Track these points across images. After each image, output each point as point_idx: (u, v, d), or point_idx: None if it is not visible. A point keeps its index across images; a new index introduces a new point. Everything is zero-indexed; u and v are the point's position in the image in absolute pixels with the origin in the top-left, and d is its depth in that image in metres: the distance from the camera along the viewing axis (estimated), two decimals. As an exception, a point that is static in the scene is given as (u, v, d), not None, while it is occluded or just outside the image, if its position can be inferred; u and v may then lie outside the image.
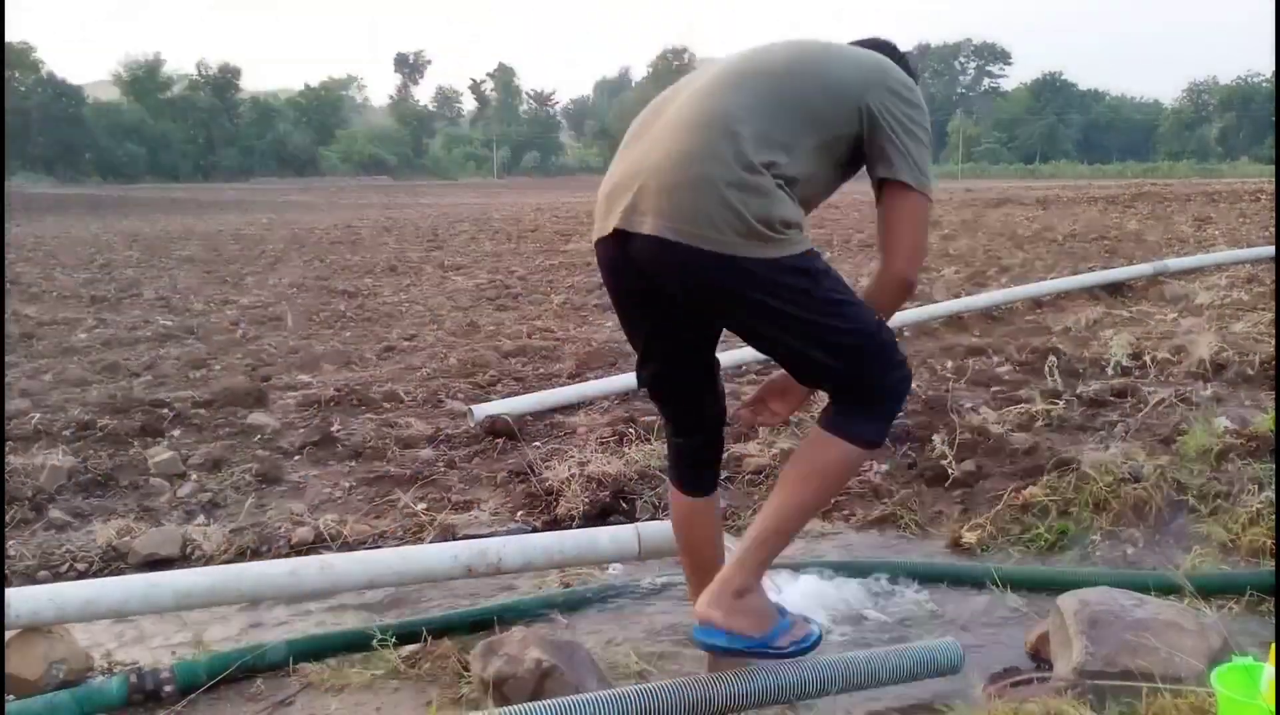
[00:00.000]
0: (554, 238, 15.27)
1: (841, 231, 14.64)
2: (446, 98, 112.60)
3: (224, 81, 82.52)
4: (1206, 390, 4.41)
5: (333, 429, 4.31)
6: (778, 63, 1.90)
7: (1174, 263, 8.58)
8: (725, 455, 3.71)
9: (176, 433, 4.35)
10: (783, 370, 2.01)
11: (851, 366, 1.82)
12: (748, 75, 1.88)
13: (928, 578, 2.69)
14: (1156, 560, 2.73)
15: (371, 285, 9.88)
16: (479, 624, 2.46)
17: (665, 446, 3.71)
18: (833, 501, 3.28)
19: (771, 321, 1.80)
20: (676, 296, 1.86)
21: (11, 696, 2.11)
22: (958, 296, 7.44)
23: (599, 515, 3.23)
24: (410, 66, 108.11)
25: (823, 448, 1.88)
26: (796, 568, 2.72)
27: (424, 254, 13.10)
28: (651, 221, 1.76)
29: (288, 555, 2.95)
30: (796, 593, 2.57)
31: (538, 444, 4.09)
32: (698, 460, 2.12)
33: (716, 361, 2.10)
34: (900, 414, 4.13)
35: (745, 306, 1.79)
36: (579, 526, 3.09)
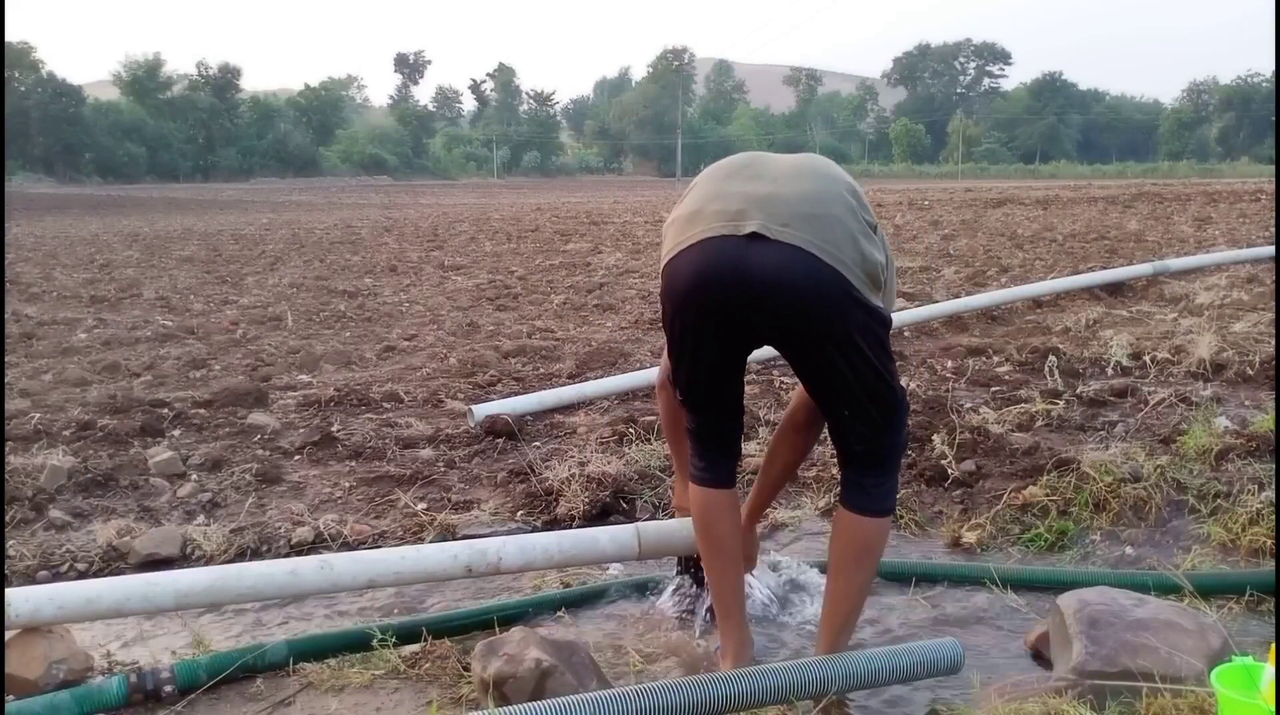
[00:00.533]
0: (554, 238, 15.27)
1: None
2: (446, 98, 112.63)
3: (224, 81, 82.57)
4: (1206, 390, 4.41)
5: (333, 429, 4.31)
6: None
7: (1174, 263, 8.58)
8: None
9: (176, 433, 4.35)
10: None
11: (884, 424, 2.02)
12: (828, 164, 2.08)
13: (928, 577, 2.69)
14: (1156, 560, 2.73)
15: (371, 285, 9.88)
16: (479, 624, 2.47)
17: (664, 446, 3.70)
18: (832, 500, 3.29)
19: (850, 359, 1.93)
20: (777, 310, 1.91)
21: (11, 696, 2.11)
22: (958, 296, 7.44)
23: (599, 515, 3.23)
24: (410, 66, 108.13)
25: (864, 530, 2.08)
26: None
27: (424, 254, 13.11)
28: (795, 234, 1.86)
29: (288, 555, 2.95)
30: (806, 595, 2.57)
31: (538, 444, 4.09)
32: (725, 455, 2.20)
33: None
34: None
35: (840, 337, 1.91)
36: (579, 526, 3.10)
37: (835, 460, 3.62)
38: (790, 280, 1.86)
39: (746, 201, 1.91)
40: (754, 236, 1.87)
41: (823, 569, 2.68)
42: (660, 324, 7.03)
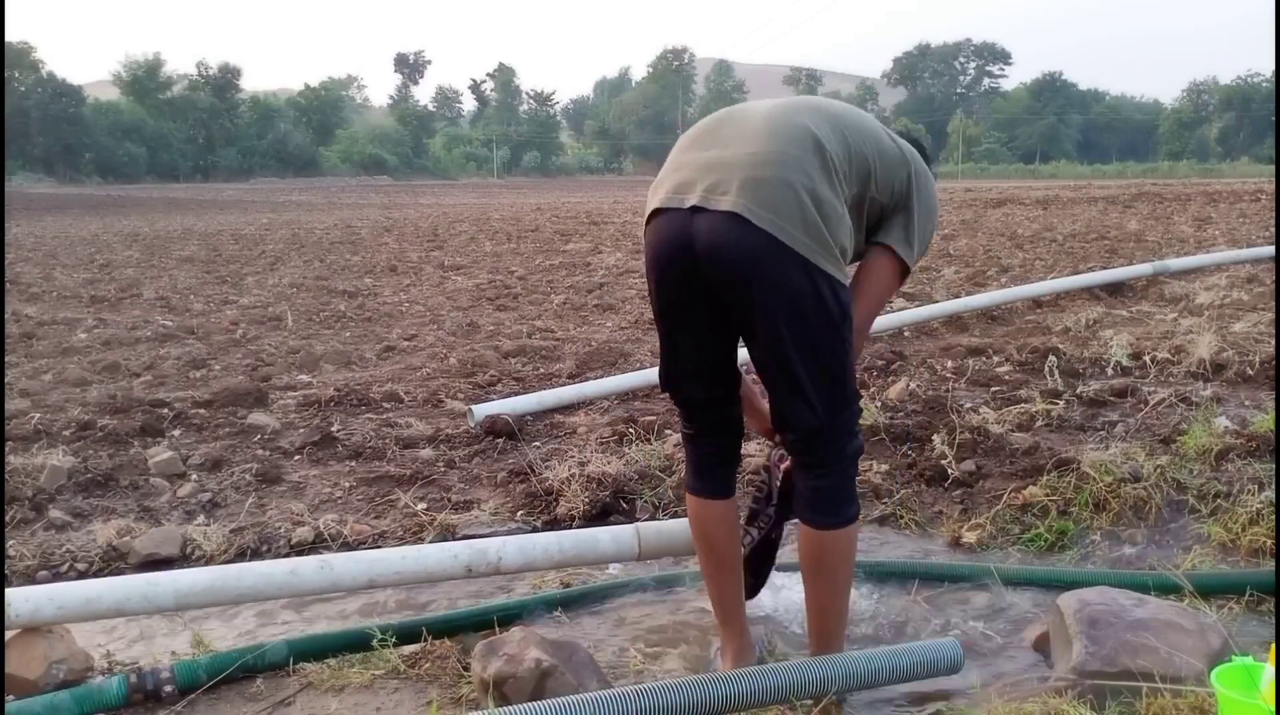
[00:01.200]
0: (554, 238, 15.27)
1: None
2: (446, 98, 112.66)
3: (224, 81, 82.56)
4: (1206, 390, 4.41)
5: (333, 429, 4.31)
6: (845, 112, 2.02)
7: (1174, 263, 8.57)
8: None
9: (176, 433, 4.35)
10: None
11: (827, 410, 1.91)
12: (821, 111, 1.99)
13: (928, 577, 2.69)
14: (1156, 560, 2.73)
15: (371, 285, 9.88)
16: (479, 624, 2.47)
17: (664, 446, 3.70)
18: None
19: (792, 327, 1.84)
20: (718, 281, 1.88)
21: (11, 696, 2.11)
22: (958, 296, 7.44)
23: (599, 515, 3.23)
24: (410, 66, 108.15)
25: (816, 543, 2.01)
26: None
27: (424, 254, 13.10)
28: (730, 201, 1.82)
29: (288, 555, 2.95)
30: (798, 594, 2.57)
31: (538, 444, 4.09)
32: (720, 461, 2.16)
33: (738, 370, 2.13)
34: (902, 414, 4.14)
35: (782, 306, 1.83)
36: (579, 526, 3.10)
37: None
38: (723, 246, 1.83)
39: (695, 171, 1.90)
40: (695, 209, 1.85)
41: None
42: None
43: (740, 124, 1.96)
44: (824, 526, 1.99)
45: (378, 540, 3.09)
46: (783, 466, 2.14)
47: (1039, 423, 3.98)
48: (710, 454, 2.15)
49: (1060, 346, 5.45)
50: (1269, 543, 2.73)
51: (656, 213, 1.95)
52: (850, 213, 1.92)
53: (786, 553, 2.96)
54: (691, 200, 1.86)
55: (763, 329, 1.87)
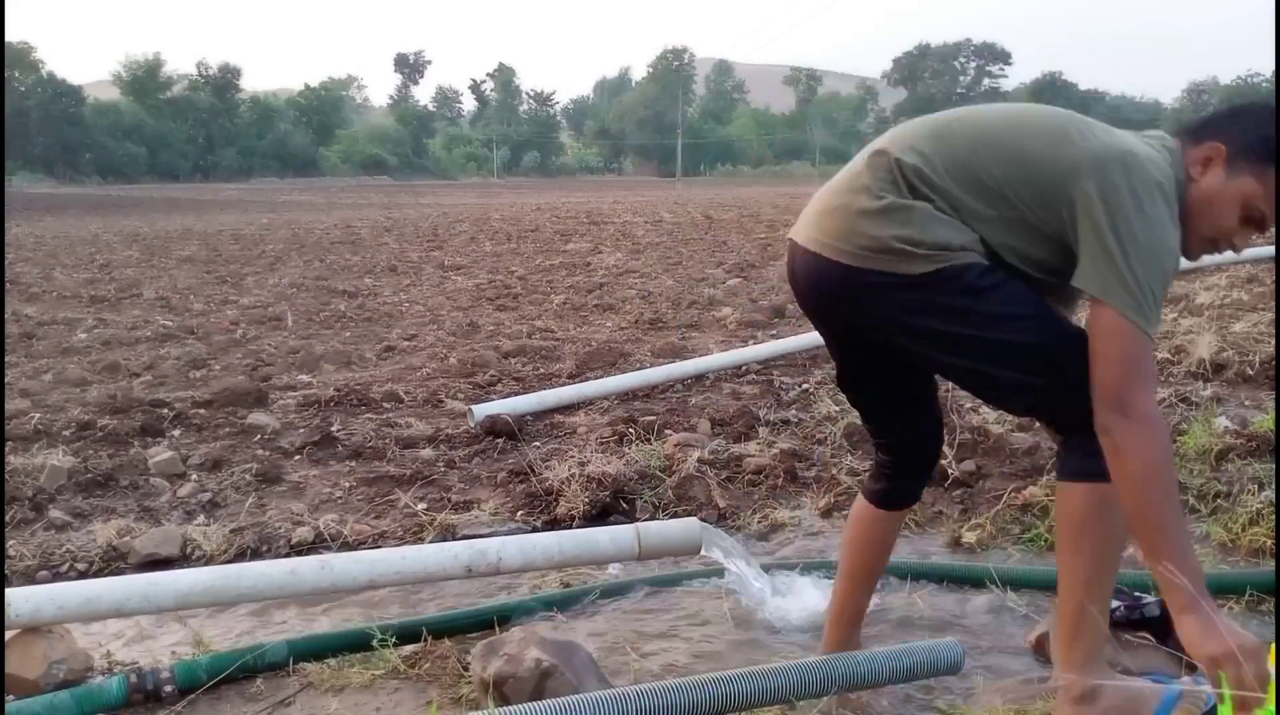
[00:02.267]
0: (554, 238, 15.27)
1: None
2: (446, 98, 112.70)
3: (224, 81, 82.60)
4: (1206, 390, 4.41)
5: (333, 429, 4.31)
6: (973, 121, 1.83)
7: (1174, 263, 8.56)
8: (725, 456, 3.74)
9: (176, 433, 4.35)
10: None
11: (1028, 386, 1.72)
12: (931, 124, 1.84)
13: (929, 577, 2.69)
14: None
15: (371, 285, 9.88)
16: (479, 624, 2.47)
17: (664, 446, 3.69)
18: (832, 500, 3.29)
19: (917, 341, 1.77)
20: (821, 317, 1.95)
21: (11, 696, 2.11)
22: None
23: (599, 515, 3.23)
24: (410, 66, 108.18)
25: (1071, 502, 1.76)
26: (798, 569, 2.72)
27: (424, 254, 13.11)
28: (806, 235, 1.86)
29: (288, 555, 2.95)
30: (800, 595, 2.57)
31: (538, 444, 4.09)
32: (886, 474, 2.09)
33: (934, 382, 2.06)
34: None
35: (882, 322, 1.79)
36: (579, 526, 3.10)
37: (835, 460, 3.65)
38: (809, 285, 1.88)
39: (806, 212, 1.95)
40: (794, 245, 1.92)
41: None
42: (658, 325, 6.95)
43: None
44: (1068, 476, 1.77)
45: (378, 540, 3.09)
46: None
47: (1039, 423, 3.97)
48: (882, 463, 2.10)
49: (1060, 346, 5.44)
50: (1269, 543, 2.73)
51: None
52: (1005, 225, 1.73)
53: (787, 553, 2.96)
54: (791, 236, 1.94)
55: (905, 351, 1.84)
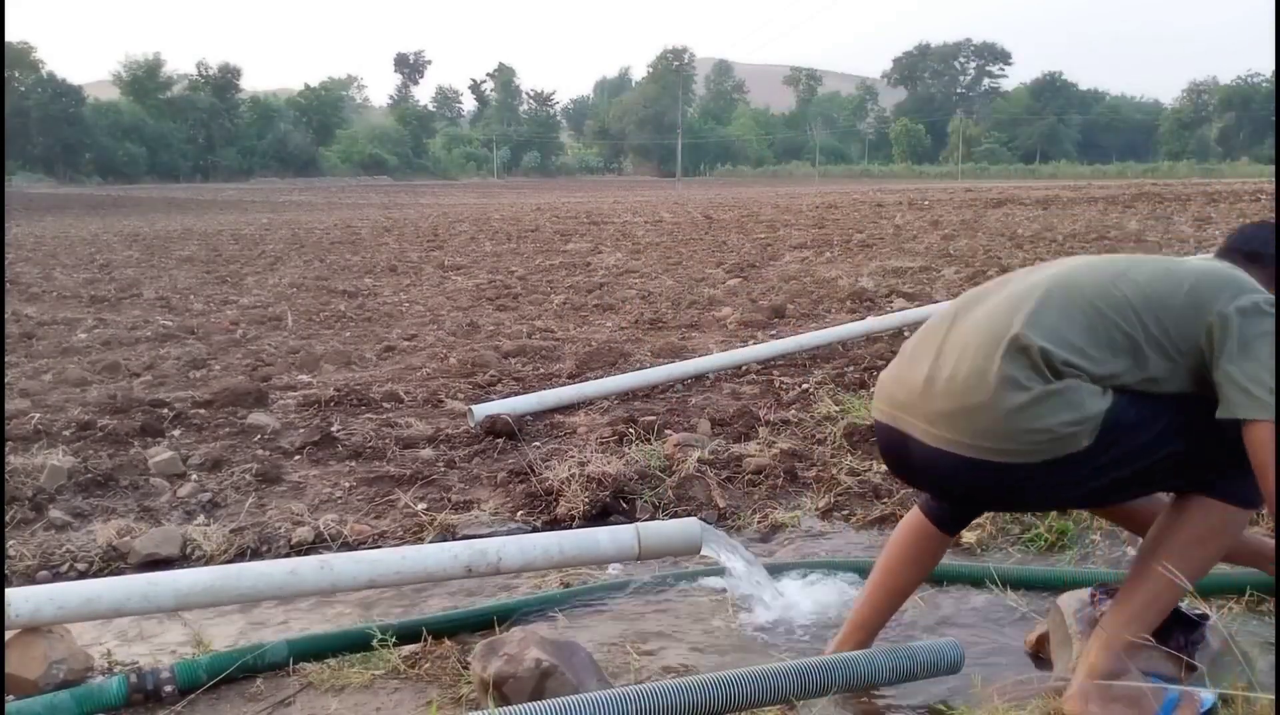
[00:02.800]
0: (554, 238, 15.27)
1: (842, 232, 14.64)
2: (446, 98, 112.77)
3: (224, 81, 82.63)
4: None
5: (333, 429, 4.31)
6: (1099, 276, 1.86)
7: (1174, 263, 8.56)
8: (725, 456, 3.74)
9: (176, 433, 4.35)
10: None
11: (1200, 472, 1.80)
12: (1051, 288, 1.85)
13: (929, 578, 2.68)
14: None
15: (371, 285, 9.89)
16: (479, 624, 2.47)
17: (664, 446, 3.69)
18: (832, 500, 3.30)
19: (1078, 501, 1.88)
20: (952, 494, 1.96)
21: (11, 696, 2.11)
22: (957, 296, 7.42)
23: (599, 515, 3.23)
24: (410, 66, 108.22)
25: (1204, 514, 1.81)
26: (801, 568, 2.73)
27: (424, 254, 13.11)
28: (939, 435, 1.83)
29: (288, 555, 2.95)
30: (801, 595, 2.57)
31: (538, 444, 4.09)
32: (959, 514, 2.12)
33: None
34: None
35: (1045, 495, 1.87)
36: (579, 526, 3.10)
37: (835, 460, 3.65)
38: (951, 477, 1.87)
39: (909, 391, 1.91)
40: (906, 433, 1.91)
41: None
42: (658, 325, 6.94)
43: (964, 326, 1.90)
44: (1199, 491, 1.82)
45: (378, 540, 3.09)
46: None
47: (1039, 423, 3.97)
48: (949, 508, 2.10)
49: (1060, 346, 5.44)
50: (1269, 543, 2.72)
51: (875, 416, 2.01)
52: (1137, 368, 1.78)
53: (787, 553, 2.96)
54: (902, 426, 1.92)
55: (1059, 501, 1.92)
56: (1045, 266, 1.99)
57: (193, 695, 2.17)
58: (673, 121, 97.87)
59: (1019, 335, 1.77)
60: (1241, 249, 1.96)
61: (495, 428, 4.17)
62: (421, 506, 3.35)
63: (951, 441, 1.80)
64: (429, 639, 2.38)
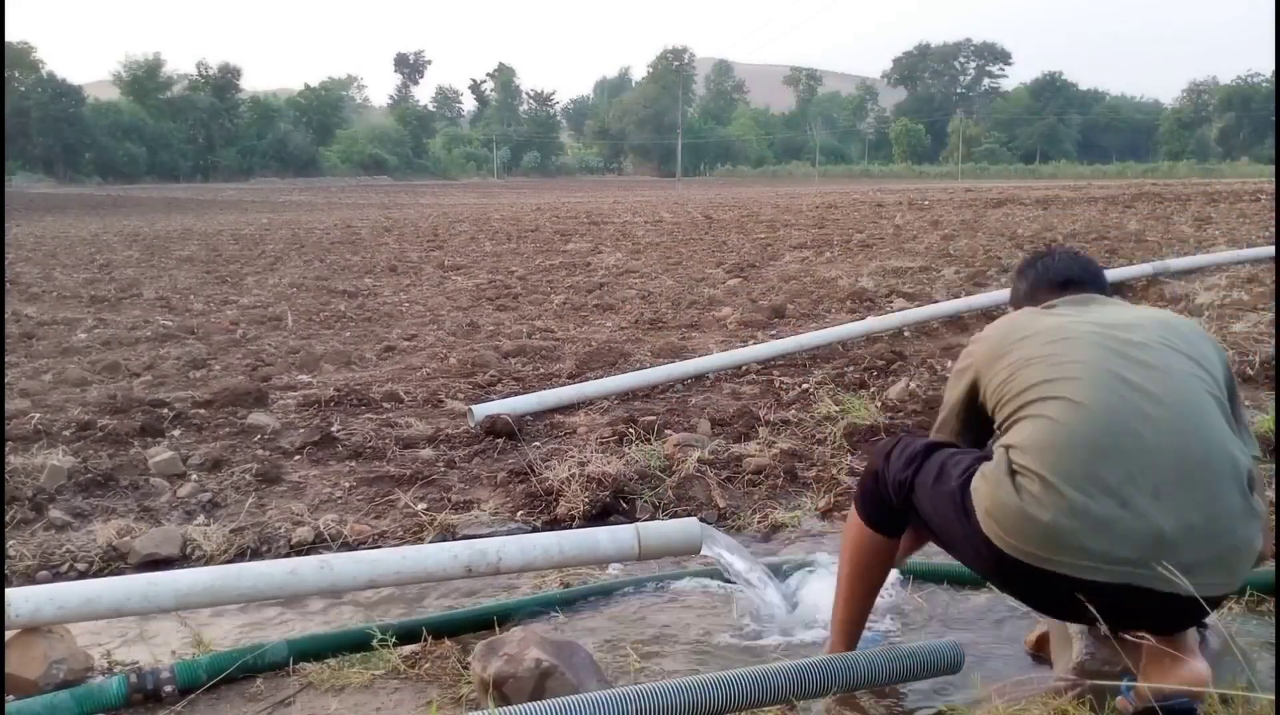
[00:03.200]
0: (554, 238, 15.27)
1: (842, 232, 14.64)
2: (446, 98, 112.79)
3: (224, 81, 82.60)
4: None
5: (333, 429, 4.31)
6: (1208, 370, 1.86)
7: (1174, 263, 8.57)
8: (725, 456, 3.74)
9: (176, 433, 4.35)
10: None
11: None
12: (1202, 390, 1.80)
13: (929, 577, 2.69)
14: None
15: (371, 285, 9.89)
16: (479, 624, 2.47)
17: (664, 446, 3.69)
18: (831, 500, 3.30)
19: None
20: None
21: (11, 696, 2.11)
22: (958, 296, 7.44)
23: (599, 515, 3.23)
24: (410, 66, 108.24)
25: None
26: (804, 567, 2.73)
27: (424, 254, 13.11)
28: (1203, 582, 1.65)
29: (288, 555, 2.95)
30: (801, 595, 2.57)
31: (538, 444, 4.09)
32: (902, 521, 2.10)
33: None
34: (902, 414, 4.14)
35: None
36: (579, 526, 3.10)
37: (835, 460, 3.65)
38: (1190, 616, 1.74)
39: (1135, 545, 1.64)
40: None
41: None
42: (658, 325, 6.89)
43: (1153, 448, 1.70)
44: None
45: (378, 540, 3.09)
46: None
47: (1039, 423, 3.97)
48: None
49: (1060, 346, 5.43)
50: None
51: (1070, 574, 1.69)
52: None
53: (787, 553, 2.96)
54: (1123, 579, 1.66)
55: None
56: (1146, 350, 1.84)
57: (193, 695, 2.17)
58: (673, 121, 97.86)
59: (1252, 470, 1.75)
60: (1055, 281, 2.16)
61: (495, 428, 4.17)
62: (421, 506, 3.35)
63: (1224, 585, 1.73)
64: (429, 639, 2.38)
